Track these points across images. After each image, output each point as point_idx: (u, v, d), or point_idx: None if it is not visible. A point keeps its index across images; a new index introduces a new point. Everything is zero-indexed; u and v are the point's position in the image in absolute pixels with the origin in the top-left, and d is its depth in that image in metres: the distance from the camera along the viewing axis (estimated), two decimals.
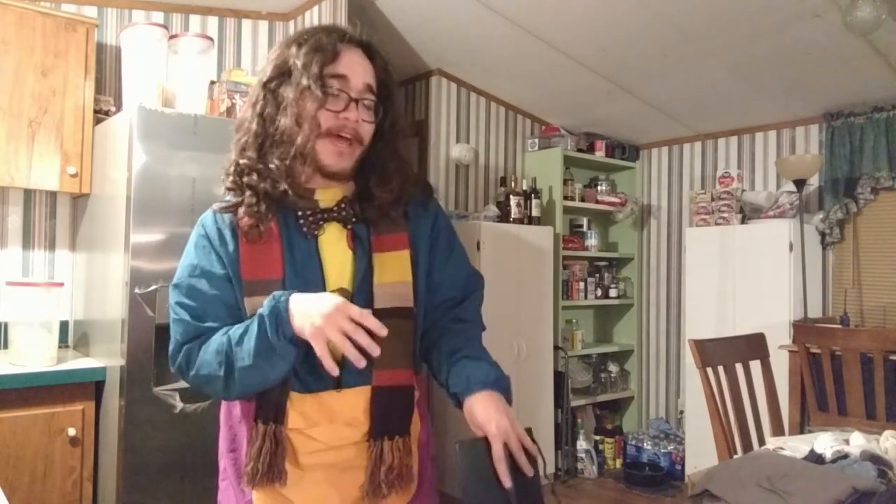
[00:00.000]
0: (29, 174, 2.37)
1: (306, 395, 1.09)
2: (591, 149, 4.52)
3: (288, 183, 1.09)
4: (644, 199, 4.73)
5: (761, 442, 2.12)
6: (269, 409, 1.08)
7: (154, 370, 2.18)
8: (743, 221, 3.79)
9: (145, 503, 2.17)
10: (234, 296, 1.11)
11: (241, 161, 1.10)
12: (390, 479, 1.09)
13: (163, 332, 2.14)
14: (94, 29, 2.52)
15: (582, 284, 4.39)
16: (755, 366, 2.41)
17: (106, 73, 2.78)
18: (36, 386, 2.14)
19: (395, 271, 1.14)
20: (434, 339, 1.19)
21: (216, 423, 1.23)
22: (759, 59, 3.25)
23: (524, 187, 4.08)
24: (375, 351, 0.98)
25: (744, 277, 3.68)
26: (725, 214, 3.83)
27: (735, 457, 2.05)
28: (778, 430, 2.39)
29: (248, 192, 1.09)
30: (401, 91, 1.23)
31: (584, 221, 4.59)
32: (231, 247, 1.11)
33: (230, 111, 2.50)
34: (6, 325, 2.42)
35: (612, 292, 4.59)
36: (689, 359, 2.48)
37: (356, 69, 1.11)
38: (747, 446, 2.22)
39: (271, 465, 1.06)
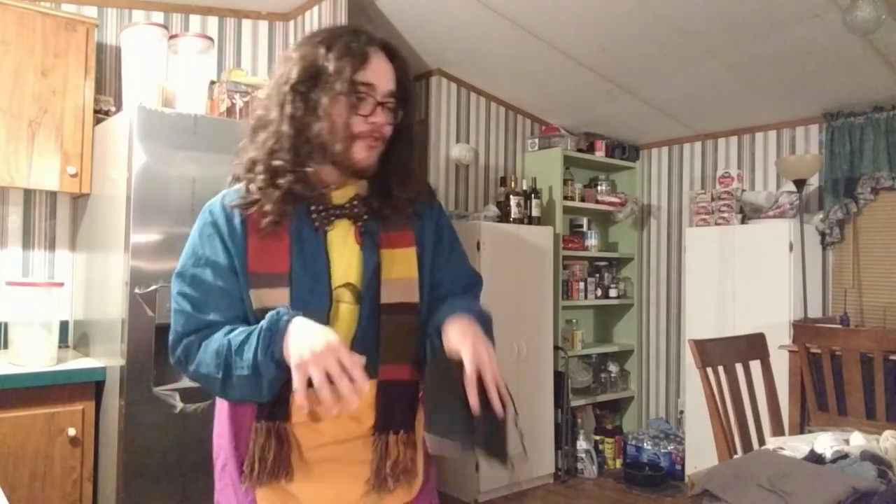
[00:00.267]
0: (29, 174, 2.37)
1: (311, 390, 1.09)
2: (591, 149, 4.52)
3: (313, 182, 1.11)
4: (644, 199, 4.73)
5: (761, 442, 2.12)
6: (271, 405, 1.08)
7: (154, 370, 2.18)
8: (743, 221, 3.79)
9: (145, 503, 2.17)
10: (238, 287, 1.10)
11: (275, 163, 1.08)
12: (396, 473, 1.11)
13: (163, 332, 2.13)
14: (94, 29, 2.52)
15: (582, 284, 4.39)
16: (755, 366, 2.41)
17: (106, 73, 2.78)
18: (36, 386, 2.14)
19: (402, 268, 1.16)
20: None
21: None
22: (759, 59, 3.25)
23: (524, 187, 4.08)
24: (353, 404, 0.94)
25: (744, 277, 3.68)
26: (725, 214, 3.83)
27: (735, 457, 2.05)
28: (778, 430, 2.39)
29: (277, 192, 1.08)
30: (414, 85, 1.23)
31: (584, 221, 4.59)
32: (240, 237, 1.11)
33: (230, 111, 2.50)
34: (6, 325, 2.42)
35: (612, 292, 4.59)
36: (689, 359, 2.48)
37: (382, 75, 1.12)
38: (747, 446, 2.22)
39: (276, 461, 1.06)
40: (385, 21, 3.35)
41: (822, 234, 3.72)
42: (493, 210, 3.95)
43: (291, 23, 3.24)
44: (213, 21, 3.09)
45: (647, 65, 3.49)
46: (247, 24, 3.19)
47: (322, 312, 1.09)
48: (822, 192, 3.76)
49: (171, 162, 2.23)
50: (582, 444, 4.13)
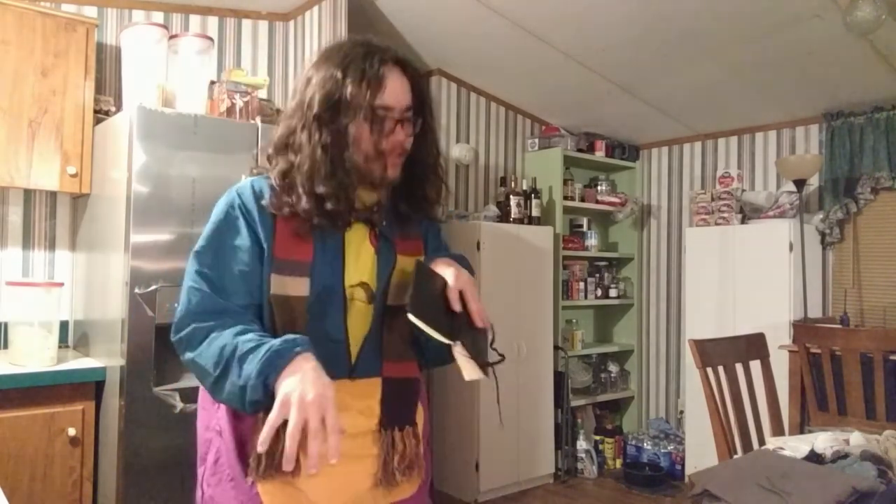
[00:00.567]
0: (29, 174, 2.37)
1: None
2: (591, 149, 4.52)
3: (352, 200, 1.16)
4: (644, 199, 4.73)
5: (761, 442, 2.12)
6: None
7: (154, 370, 2.18)
8: (743, 221, 3.79)
9: (145, 503, 2.17)
10: (259, 272, 1.11)
11: (320, 190, 1.11)
12: (402, 468, 1.14)
13: (163, 332, 2.14)
14: (94, 29, 2.52)
15: (582, 284, 4.39)
16: (755, 366, 2.42)
17: (106, 73, 2.78)
18: (36, 386, 2.14)
19: (407, 272, 1.20)
20: None
21: None
22: (759, 59, 3.25)
23: (524, 187, 4.08)
24: (313, 469, 0.91)
25: (744, 277, 3.68)
26: (725, 214, 3.83)
27: (735, 457, 2.05)
28: (778, 430, 2.39)
29: (318, 211, 1.11)
30: (430, 92, 1.27)
31: (584, 221, 4.59)
32: (269, 221, 1.13)
33: (230, 111, 2.50)
34: (6, 325, 2.42)
35: (612, 292, 4.59)
36: (689, 359, 2.48)
37: (399, 93, 1.15)
38: (747, 446, 2.22)
39: (283, 453, 1.06)
40: (385, 21, 3.35)
41: (822, 234, 3.72)
42: (493, 210, 3.95)
43: (291, 23, 3.24)
44: (213, 21, 3.09)
45: (647, 65, 3.49)
46: (247, 24, 3.19)
47: (338, 307, 1.14)
48: (822, 192, 3.76)
49: (171, 162, 2.23)
50: (582, 444, 4.13)
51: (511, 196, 3.97)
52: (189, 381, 2.21)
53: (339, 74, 1.13)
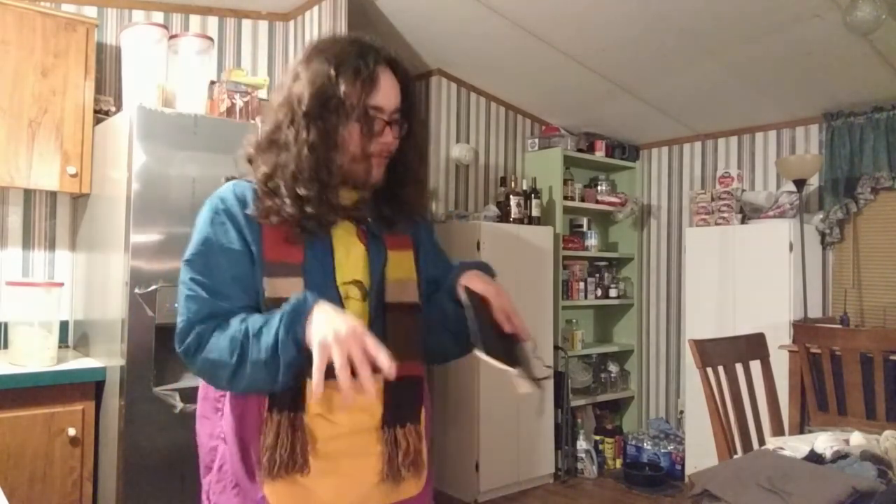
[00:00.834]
0: (29, 174, 2.37)
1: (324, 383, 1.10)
2: (591, 149, 4.52)
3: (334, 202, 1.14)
4: (644, 199, 4.73)
5: (761, 442, 2.12)
6: (284, 397, 1.07)
7: (154, 370, 2.18)
8: (743, 221, 3.79)
9: (145, 503, 2.17)
10: (252, 275, 1.10)
11: (301, 192, 1.09)
12: (406, 464, 1.14)
13: (163, 332, 2.15)
14: (94, 29, 2.52)
15: (582, 284, 4.39)
16: (755, 366, 2.42)
17: (106, 73, 2.78)
18: (36, 386, 2.14)
19: (403, 269, 1.21)
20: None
21: None
22: (759, 59, 3.25)
23: (524, 187, 4.08)
24: (370, 391, 0.95)
25: (744, 277, 3.68)
26: (725, 214, 3.83)
27: (735, 457, 2.05)
28: (778, 430, 2.39)
29: (301, 215, 1.10)
30: (419, 94, 1.27)
31: (584, 221, 4.59)
32: (256, 224, 1.12)
33: (230, 111, 2.50)
34: (6, 325, 2.42)
35: (612, 292, 4.59)
36: (689, 359, 2.48)
37: (390, 95, 1.15)
38: (747, 446, 2.22)
39: (292, 453, 1.06)
40: (385, 21, 3.35)
41: (822, 234, 3.72)
42: (493, 210, 3.95)
43: (291, 23, 3.24)
44: (213, 21, 3.09)
45: (647, 65, 3.49)
46: (247, 24, 3.19)
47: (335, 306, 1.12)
48: (822, 192, 3.76)
49: (171, 162, 2.23)
50: (582, 444, 4.13)
51: (511, 196, 3.97)
52: (189, 380, 2.20)
53: (332, 72, 1.10)
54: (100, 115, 2.57)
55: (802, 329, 2.95)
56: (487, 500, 3.64)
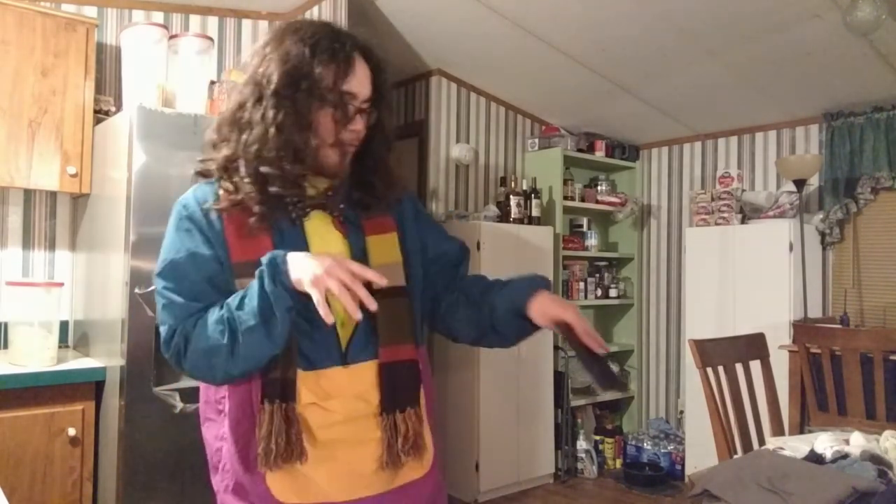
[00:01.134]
0: (29, 174, 2.37)
1: (313, 372, 1.10)
2: (591, 149, 4.52)
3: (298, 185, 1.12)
4: (644, 199, 4.73)
5: (761, 442, 2.12)
6: (275, 388, 1.07)
7: (154, 370, 2.18)
8: (743, 221, 3.79)
9: (145, 503, 2.17)
10: (224, 277, 1.09)
11: (264, 170, 1.08)
12: (406, 448, 1.13)
13: None
14: (94, 29, 2.52)
15: (582, 284, 4.39)
16: (755, 366, 2.42)
17: (106, 73, 2.78)
18: (36, 386, 2.14)
19: (386, 253, 1.19)
20: (452, 305, 1.27)
21: None
22: (759, 59, 3.25)
23: (524, 187, 4.08)
24: (372, 305, 0.99)
25: (744, 277, 3.68)
26: (725, 214, 3.83)
27: (735, 457, 2.05)
28: (778, 430, 2.39)
29: (266, 197, 1.08)
30: (390, 84, 1.24)
31: (584, 221, 4.59)
32: (218, 230, 1.11)
33: None
34: (6, 325, 2.42)
35: (612, 292, 4.59)
36: (689, 359, 2.48)
37: (363, 82, 1.13)
38: (747, 446, 2.22)
39: (288, 442, 1.06)
40: (385, 21, 3.35)
41: (822, 234, 3.72)
42: (493, 210, 3.95)
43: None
44: (213, 21, 3.09)
45: (647, 65, 3.49)
46: (247, 24, 3.19)
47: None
48: (822, 192, 3.76)
49: (171, 162, 2.23)
50: (582, 444, 4.13)
51: (511, 196, 3.97)
52: (189, 380, 2.20)
53: (307, 51, 1.08)
54: (100, 115, 2.57)
55: (802, 329, 2.95)
56: (487, 500, 3.64)
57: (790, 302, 3.48)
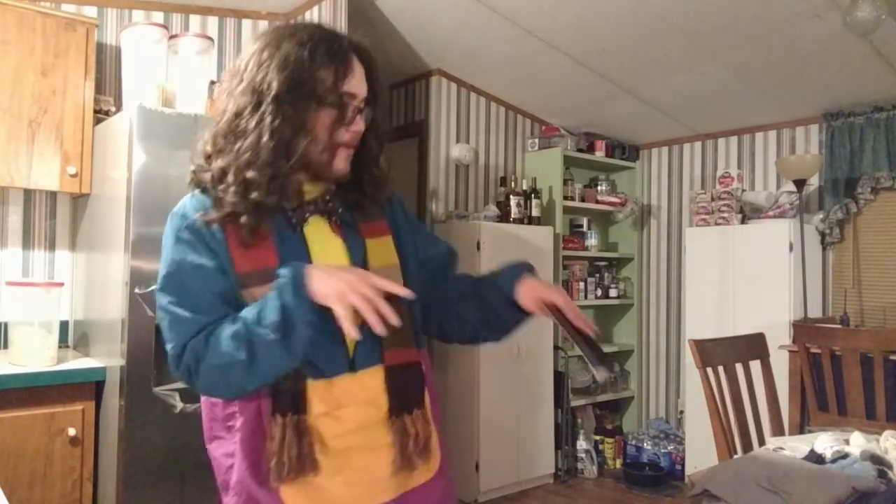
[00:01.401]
0: (29, 174, 2.37)
1: (322, 381, 1.09)
2: (591, 149, 4.52)
3: (287, 191, 1.10)
4: (644, 199, 4.73)
5: (761, 442, 2.12)
6: (285, 400, 1.06)
7: (154, 370, 2.18)
8: (743, 221, 3.79)
9: (145, 503, 2.17)
10: (229, 287, 1.07)
11: (249, 175, 1.05)
12: (418, 450, 1.14)
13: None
14: (94, 29, 2.52)
15: (582, 284, 4.39)
16: (755, 366, 2.42)
17: (106, 73, 2.78)
18: (36, 386, 2.14)
19: (384, 256, 1.19)
20: (443, 305, 1.27)
21: None
22: (759, 59, 3.25)
23: (524, 187, 4.08)
24: (394, 319, 1.00)
25: (744, 277, 3.68)
26: (725, 214, 3.83)
27: (735, 457, 2.05)
28: (778, 430, 2.39)
29: (250, 206, 1.06)
30: (383, 83, 1.23)
31: (584, 221, 4.59)
32: (220, 240, 1.09)
33: None
34: (6, 325, 2.42)
35: (612, 292, 4.60)
36: (689, 359, 2.48)
37: (361, 83, 1.13)
38: (747, 446, 2.22)
39: (300, 455, 1.05)
40: (385, 21, 3.35)
41: (822, 234, 3.72)
42: (493, 210, 3.95)
43: (291, 23, 3.24)
44: (213, 21, 3.09)
45: (647, 65, 3.49)
46: (247, 24, 3.19)
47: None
48: (822, 192, 3.76)
49: (171, 162, 2.23)
50: (582, 444, 4.13)
51: (511, 196, 3.97)
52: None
53: (306, 54, 1.06)
54: (100, 115, 2.57)
55: (802, 329, 2.95)
56: (487, 500, 3.64)
57: (790, 302, 3.48)
